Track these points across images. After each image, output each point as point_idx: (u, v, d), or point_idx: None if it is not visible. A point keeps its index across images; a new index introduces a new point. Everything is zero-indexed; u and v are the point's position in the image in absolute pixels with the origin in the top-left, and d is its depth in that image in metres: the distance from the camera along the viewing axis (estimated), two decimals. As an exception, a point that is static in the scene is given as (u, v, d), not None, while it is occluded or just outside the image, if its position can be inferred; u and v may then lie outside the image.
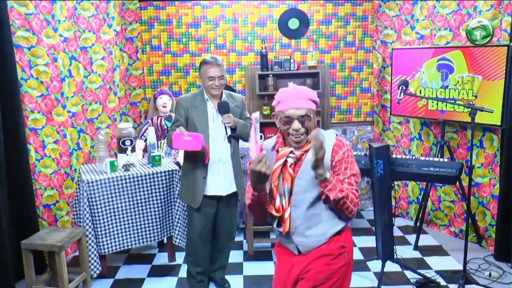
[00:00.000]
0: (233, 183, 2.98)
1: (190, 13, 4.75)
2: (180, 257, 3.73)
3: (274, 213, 1.92)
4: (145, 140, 4.05)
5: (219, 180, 2.94)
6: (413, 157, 3.27)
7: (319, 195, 1.88)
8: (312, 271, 1.93)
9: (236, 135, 2.88)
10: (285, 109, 1.87)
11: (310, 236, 1.93)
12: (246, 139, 2.97)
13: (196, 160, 2.90)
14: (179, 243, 3.54)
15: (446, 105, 3.84)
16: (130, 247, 3.42)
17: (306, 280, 1.93)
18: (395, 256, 3.30)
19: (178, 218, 3.53)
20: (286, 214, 1.92)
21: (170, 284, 3.37)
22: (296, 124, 1.85)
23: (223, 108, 2.79)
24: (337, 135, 2.01)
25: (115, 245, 3.36)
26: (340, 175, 1.88)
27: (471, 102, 3.60)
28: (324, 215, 1.93)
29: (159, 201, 3.46)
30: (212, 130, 2.89)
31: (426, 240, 4.01)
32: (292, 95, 1.88)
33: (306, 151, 1.90)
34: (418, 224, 4.13)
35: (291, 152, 1.89)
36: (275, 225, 1.98)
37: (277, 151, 1.95)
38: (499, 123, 3.49)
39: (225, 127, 2.81)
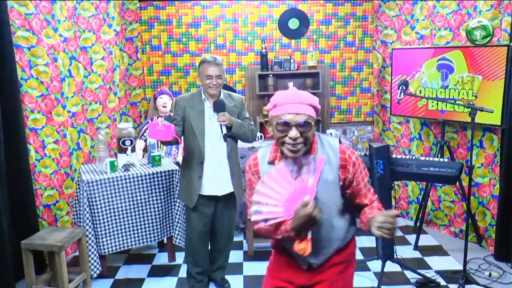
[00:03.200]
0: (230, 183, 2.96)
1: (190, 13, 4.75)
2: (180, 257, 3.73)
3: (306, 249, 1.65)
4: (145, 140, 4.05)
5: (215, 180, 2.92)
6: (413, 157, 3.27)
7: (334, 205, 1.73)
8: (327, 282, 1.81)
9: (232, 134, 2.86)
10: (282, 113, 1.62)
11: (325, 254, 1.80)
12: (243, 139, 2.95)
13: (192, 159, 2.90)
14: (179, 243, 3.54)
15: (446, 105, 3.84)
16: (130, 247, 3.42)
17: None
18: (395, 256, 3.30)
19: (178, 218, 3.53)
20: (309, 234, 1.66)
21: (170, 284, 3.37)
22: (293, 132, 1.60)
23: (218, 107, 2.78)
24: (340, 142, 1.80)
25: (115, 245, 3.36)
26: (360, 185, 1.73)
27: (471, 102, 3.60)
28: (337, 227, 1.78)
29: (159, 201, 3.46)
30: (209, 130, 2.88)
31: (426, 240, 4.01)
32: (292, 99, 1.63)
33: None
34: (418, 224, 4.13)
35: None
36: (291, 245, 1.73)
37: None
38: (499, 123, 3.49)
39: (221, 125, 2.80)
